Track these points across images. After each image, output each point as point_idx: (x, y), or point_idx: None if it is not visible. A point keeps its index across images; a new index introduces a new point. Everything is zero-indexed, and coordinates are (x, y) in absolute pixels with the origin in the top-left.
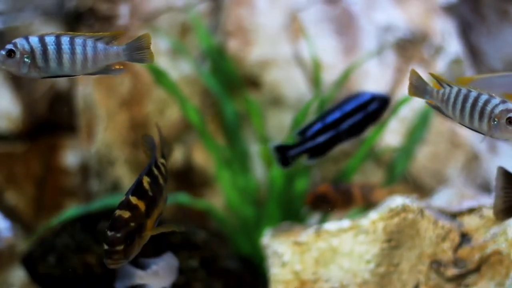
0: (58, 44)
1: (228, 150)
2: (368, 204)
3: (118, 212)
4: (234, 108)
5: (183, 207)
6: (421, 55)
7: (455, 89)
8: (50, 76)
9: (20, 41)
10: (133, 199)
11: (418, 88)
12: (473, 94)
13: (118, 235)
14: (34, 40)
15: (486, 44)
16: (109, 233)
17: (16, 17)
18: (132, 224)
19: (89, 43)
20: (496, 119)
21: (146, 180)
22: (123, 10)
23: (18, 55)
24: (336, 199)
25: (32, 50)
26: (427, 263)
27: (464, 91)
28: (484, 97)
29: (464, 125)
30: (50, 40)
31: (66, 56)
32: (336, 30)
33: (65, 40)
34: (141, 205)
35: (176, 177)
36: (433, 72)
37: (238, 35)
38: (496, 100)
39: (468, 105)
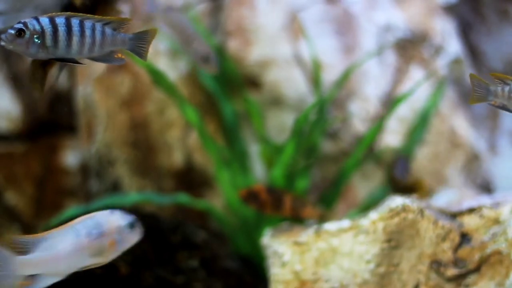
0: (68, 26)
1: (228, 150)
2: (297, 217)
3: None
4: (234, 108)
5: (183, 207)
6: (421, 55)
7: None
8: (57, 58)
9: (30, 21)
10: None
11: (481, 93)
12: None
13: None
14: (44, 20)
15: (486, 44)
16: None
17: (16, 17)
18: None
19: (98, 27)
20: None
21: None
22: (123, 10)
23: (28, 34)
24: (266, 201)
25: (42, 30)
26: (427, 263)
27: None
28: None
29: None
30: (60, 21)
31: (75, 38)
32: (336, 30)
33: (75, 22)
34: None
35: (176, 177)
36: (433, 71)
37: (238, 35)
38: None
39: None
